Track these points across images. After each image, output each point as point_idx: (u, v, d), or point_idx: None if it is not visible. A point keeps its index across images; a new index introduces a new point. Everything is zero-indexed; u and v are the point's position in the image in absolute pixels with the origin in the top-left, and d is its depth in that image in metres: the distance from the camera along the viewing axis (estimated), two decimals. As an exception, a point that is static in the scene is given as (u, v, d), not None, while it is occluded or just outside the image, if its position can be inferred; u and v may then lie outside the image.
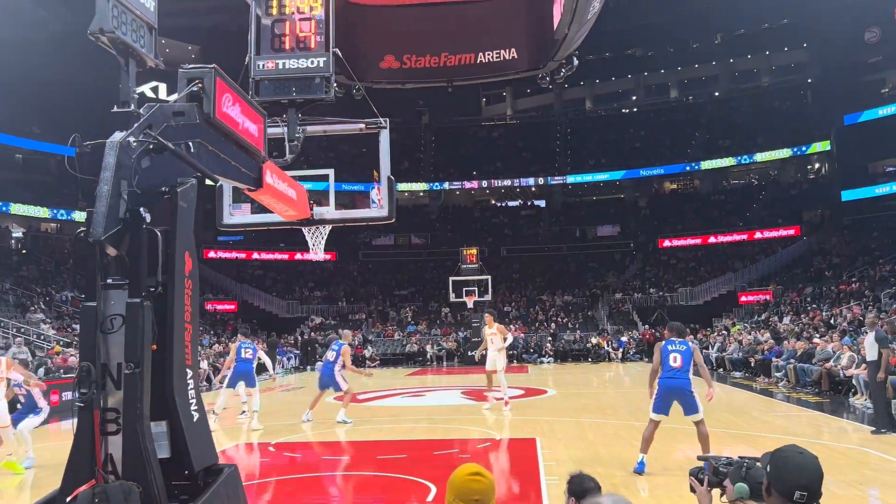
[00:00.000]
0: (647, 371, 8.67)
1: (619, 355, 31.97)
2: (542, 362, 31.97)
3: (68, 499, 3.53)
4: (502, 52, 17.14)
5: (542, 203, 52.40)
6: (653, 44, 49.04)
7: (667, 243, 43.78)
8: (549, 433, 11.46)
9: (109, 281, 3.82)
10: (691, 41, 49.03)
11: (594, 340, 33.65)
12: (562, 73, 17.61)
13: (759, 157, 45.04)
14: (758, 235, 41.38)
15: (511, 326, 36.67)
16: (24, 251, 37.42)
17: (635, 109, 53.81)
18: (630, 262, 44.96)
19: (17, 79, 35.86)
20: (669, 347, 8.26)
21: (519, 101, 55.90)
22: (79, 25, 4.47)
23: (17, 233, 38.67)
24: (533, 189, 51.37)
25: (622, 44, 47.40)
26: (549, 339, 34.78)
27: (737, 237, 42.02)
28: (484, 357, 15.24)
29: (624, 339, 33.68)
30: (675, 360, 8.13)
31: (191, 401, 4.20)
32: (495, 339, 14.70)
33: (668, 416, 8.21)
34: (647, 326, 35.52)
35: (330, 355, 13.86)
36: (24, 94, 36.64)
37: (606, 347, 32.82)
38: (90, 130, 4.41)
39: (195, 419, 4.20)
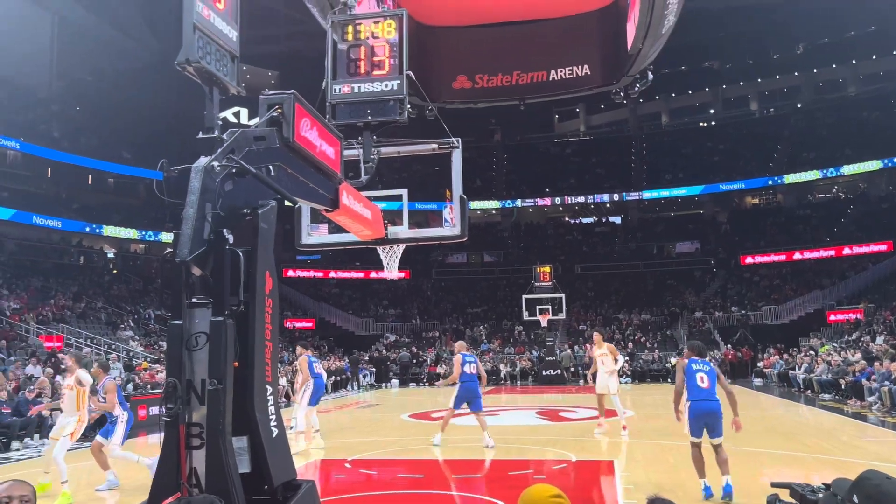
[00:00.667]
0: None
1: (675, 368, 30.92)
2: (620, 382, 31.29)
3: (156, 510, 3.66)
4: (575, 68, 17.08)
5: (617, 219, 51.65)
6: (731, 56, 47.88)
7: (749, 260, 42.34)
8: (627, 455, 11.20)
9: (194, 300, 3.97)
10: (772, 52, 47.65)
11: (673, 360, 32.72)
12: (636, 88, 17.39)
13: (847, 169, 43.15)
14: (847, 251, 39.52)
15: (586, 345, 36.15)
16: (114, 271, 39.36)
17: (713, 123, 52.53)
18: (710, 279, 43.68)
19: (109, 107, 38.01)
20: (694, 367, 7.93)
21: (592, 117, 55.45)
22: (165, 55, 4.71)
23: (109, 253, 40.73)
24: (608, 205, 50.70)
25: (699, 56, 46.47)
26: (626, 358, 34.04)
27: (824, 253, 40.27)
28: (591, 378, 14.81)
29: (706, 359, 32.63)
30: (703, 381, 7.80)
31: (270, 417, 4.30)
32: (606, 359, 13.98)
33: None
34: (729, 346, 34.36)
35: (472, 368, 12.50)
36: (116, 121, 38.75)
37: (686, 367, 31.84)
38: (177, 154, 4.62)
39: (274, 435, 4.30)
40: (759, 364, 31.18)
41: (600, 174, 50.64)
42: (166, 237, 39.37)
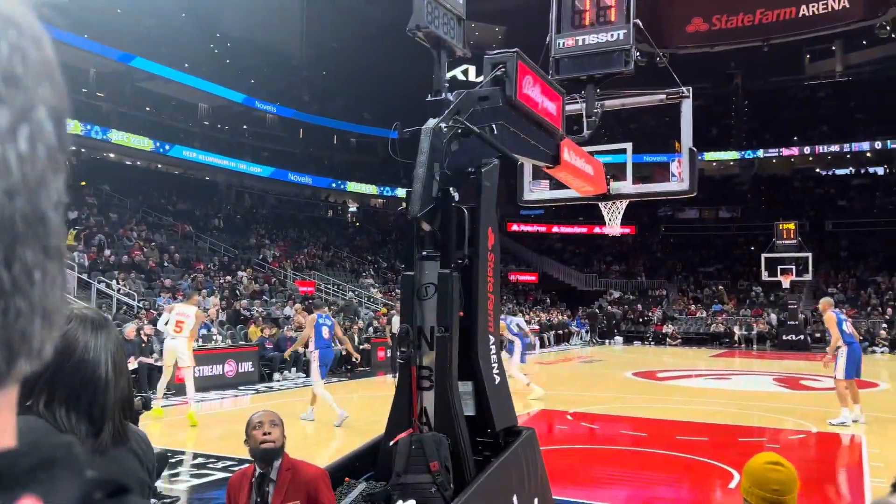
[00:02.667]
0: None
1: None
2: (873, 352, 28.18)
3: (391, 443, 4.04)
4: (830, 1, 15.25)
5: (879, 170, 45.71)
6: None
7: None
8: (878, 431, 10.16)
9: (424, 253, 4.25)
10: None
11: (943, 330, 28.73)
12: (907, 19, 15.07)
13: None
14: None
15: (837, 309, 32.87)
16: (357, 223, 42.78)
17: None
18: None
19: (351, 71, 40.90)
20: None
21: (851, 56, 49.01)
22: (400, 20, 4.97)
23: (352, 207, 44.31)
24: (868, 154, 45.00)
25: None
26: (885, 325, 30.47)
27: None
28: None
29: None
30: None
31: (493, 365, 4.51)
32: None
33: None
34: None
35: (849, 328, 10.94)
36: (357, 85, 41.64)
37: (960, 340, 27.83)
38: (410, 114, 4.92)
39: (497, 382, 4.50)
40: None
41: (860, 119, 44.98)
42: (401, 192, 41.93)
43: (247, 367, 15.34)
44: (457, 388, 4.18)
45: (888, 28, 14.14)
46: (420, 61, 6.47)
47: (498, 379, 4.50)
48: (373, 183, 42.03)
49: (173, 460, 7.63)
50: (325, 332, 10.26)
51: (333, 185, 40.97)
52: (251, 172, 36.73)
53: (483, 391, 4.34)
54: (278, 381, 15.55)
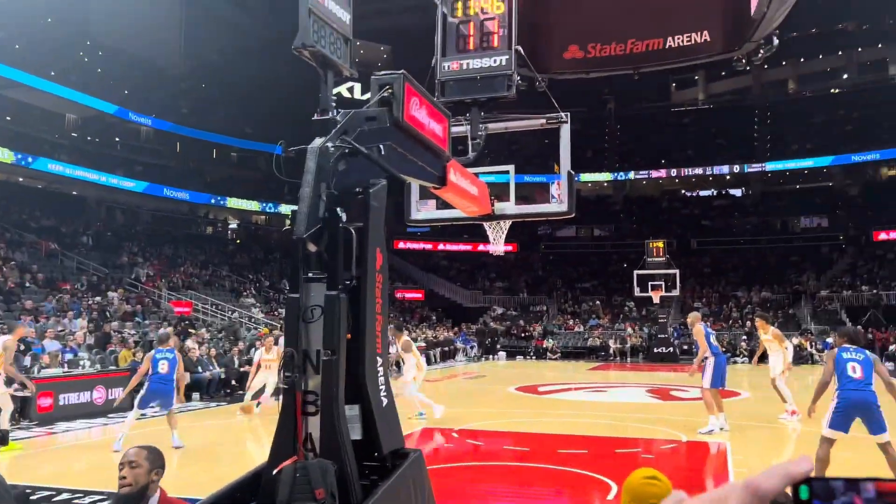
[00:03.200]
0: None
1: (824, 358, 29.31)
2: (735, 362, 30.16)
3: (274, 472, 3.91)
4: (693, 35, 16.23)
5: (737, 192, 49.33)
6: (868, 15, 44.16)
7: (883, 236, 39.45)
8: (741, 438, 10.85)
9: (310, 275, 4.17)
10: (916, 10, 43.53)
11: (795, 341, 31.13)
12: (760, 55, 16.34)
13: None
14: None
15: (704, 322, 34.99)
16: (238, 241, 41.50)
17: (846, 89, 48.86)
18: (839, 256, 41.10)
19: (232, 84, 39.79)
20: (845, 356, 7.11)
21: (712, 85, 52.81)
22: (283, 33, 4.88)
23: (233, 224, 42.94)
24: (727, 177, 48.46)
25: (831, 18, 43.12)
26: (745, 337, 32.73)
27: (970, 229, 36.96)
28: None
29: (830, 340, 30.84)
30: (855, 371, 6.95)
31: (380, 387, 4.47)
32: (771, 345, 13.19)
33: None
34: (858, 328, 32.30)
35: (715, 341, 11.77)
36: (238, 98, 40.54)
37: (809, 349, 30.30)
38: (294, 128, 4.82)
39: (384, 404, 4.46)
40: (893, 347, 29.23)
41: (720, 145, 48.43)
42: (285, 209, 41.09)
43: (117, 393, 14.42)
44: (343, 412, 4.10)
45: (744, 61, 15.21)
46: (304, 76, 6.38)
47: (385, 401, 4.47)
48: (255, 199, 40.98)
49: (35, 497, 7.06)
50: (164, 367, 10.12)
51: (213, 200, 39.61)
52: (123, 187, 34.89)
53: (370, 414, 4.29)
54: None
